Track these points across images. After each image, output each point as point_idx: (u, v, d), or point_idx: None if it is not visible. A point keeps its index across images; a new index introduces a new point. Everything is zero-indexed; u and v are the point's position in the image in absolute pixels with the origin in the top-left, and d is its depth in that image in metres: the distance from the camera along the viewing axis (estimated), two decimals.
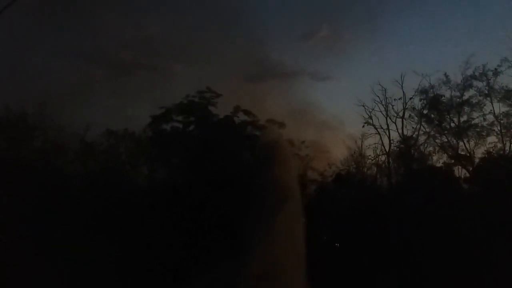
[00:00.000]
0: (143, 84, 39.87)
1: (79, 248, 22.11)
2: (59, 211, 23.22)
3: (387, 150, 31.95)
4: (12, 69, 30.58)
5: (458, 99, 31.44)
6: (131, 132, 28.79)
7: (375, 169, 31.73)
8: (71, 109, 28.67)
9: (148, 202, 25.73)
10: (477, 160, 29.65)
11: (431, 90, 31.79)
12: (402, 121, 32.25)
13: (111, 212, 24.49)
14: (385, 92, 32.55)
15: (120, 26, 43.56)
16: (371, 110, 32.62)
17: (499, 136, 30.49)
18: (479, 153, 30.35)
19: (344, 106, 61.64)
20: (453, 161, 30.08)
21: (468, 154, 30.40)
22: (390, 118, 32.47)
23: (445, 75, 31.54)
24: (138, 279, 22.44)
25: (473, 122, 31.08)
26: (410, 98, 32.14)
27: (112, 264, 22.19)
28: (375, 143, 32.21)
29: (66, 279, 20.54)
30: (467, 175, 29.32)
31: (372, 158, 31.87)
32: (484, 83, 30.99)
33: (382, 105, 32.57)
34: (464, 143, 30.84)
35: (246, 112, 27.83)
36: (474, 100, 31.18)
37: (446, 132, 31.61)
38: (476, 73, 30.99)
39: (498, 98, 30.84)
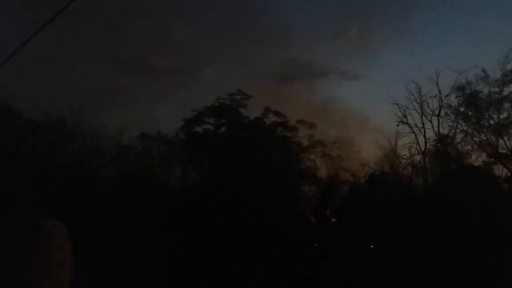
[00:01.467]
0: (174, 88, 40.57)
1: (113, 250, 22.69)
2: (95, 214, 23.92)
3: (422, 149, 31.09)
4: (49, 75, 31.81)
5: (497, 95, 30.20)
6: (164, 135, 29.35)
7: (410, 169, 30.93)
8: (106, 113, 29.56)
9: (181, 205, 26.14)
10: None
11: (468, 86, 30.71)
12: (438, 119, 31.30)
13: (145, 214, 25.03)
14: (420, 89, 31.67)
15: (149, 31, 44.46)
16: (405, 108, 31.84)
17: None
18: None
19: (377, 106, 60.61)
20: (492, 159, 28.90)
21: (509, 153, 29.15)
22: (425, 116, 31.56)
23: (483, 70, 30.39)
24: (169, 283, 22.77)
25: None
26: (446, 95, 31.14)
27: (145, 267, 22.66)
28: (410, 142, 31.40)
29: (99, 280, 21.09)
30: (508, 174, 28.11)
31: (407, 158, 31.09)
32: None
33: (417, 103, 31.72)
34: (504, 141, 29.61)
35: (277, 113, 27.82)
36: None
37: (484, 130, 30.43)
38: None
39: None
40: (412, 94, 31.78)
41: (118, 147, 28.31)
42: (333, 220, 26.69)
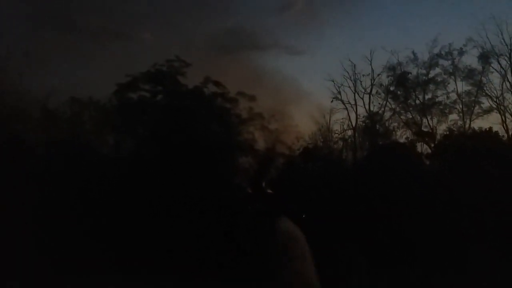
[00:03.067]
0: (110, 52, 38.21)
1: (38, 219, 21.59)
2: (20, 181, 22.44)
3: (353, 125, 32.60)
4: None
5: (424, 77, 32.32)
6: (96, 100, 27.81)
7: (342, 143, 32.41)
8: (33, 74, 27.31)
9: (114, 173, 25.24)
10: (438, 137, 30.73)
11: (399, 67, 32.44)
12: (370, 97, 32.97)
13: (75, 182, 23.91)
14: (354, 68, 32.94)
15: None
16: (340, 85, 33.00)
17: (461, 114, 31.77)
18: (441, 130, 31.52)
19: (316, 81, 61.91)
20: (416, 137, 31.04)
21: (430, 131, 31.48)
22: (358, 94, 33.08)
23: (413, 52, 32.21)
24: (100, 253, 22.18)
25: (437, 99, 32.14)
26: (378, 75, 32.79)
27: (75, 238, 21.84)
28: (342, 118, 32.85)
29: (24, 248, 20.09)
30: (429, 151, 30.38)
31: (339, 133, 32.50)
32: (450, 62, 31.94)
33: (351, 80, 33.00)
34: (427, 120, 31.97)
35: (217, 84, 27.36)
36: (439, 79, 32.21)
37: (411, 109, 32.58)
38: (443, 52, 31.84)
39: (461, 77, 31.96)
40: (347, 72, 33.05)
41: (44, 110, 26.44)
42: (269, 191, 27.32)
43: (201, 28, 44.33)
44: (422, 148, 30.81)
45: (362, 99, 32.95)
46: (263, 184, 27.42)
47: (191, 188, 24.06)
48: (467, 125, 31.37)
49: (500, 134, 28.56)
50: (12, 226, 20.73)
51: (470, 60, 32.99)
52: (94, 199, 23.87)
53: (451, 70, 31.92)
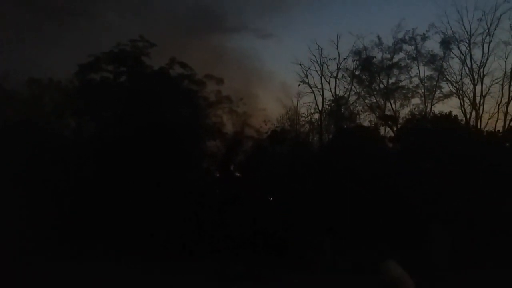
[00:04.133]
0: (72, 31, 36.68)
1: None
2: None
3: (320, 108, 32.90)
4: None
5: (388, 62, 32.83)
6: (57, 81, 26.78)
7: (309, 126, 32.71)
8: None
9: (76, 157, 24.53)
10: (401, 121, 31.50)
11: (364, 51, 32.82)
12: (336, 81, 33.17)
13: (34, 166, 23.12)
14: (321, 51, 33.04)
15: None
16: (307, 69, 33.10)
17: (422, 98, 32.65)
18: (403, 114, 32.31)
19: (284, 65, 61.92)
20: (380, 121, 31.70)
21: (393, 115, 32.22)
22: (324, 78, 33.23)
23: (378, 37, 32.64)
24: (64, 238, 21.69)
25: (400, 84, 32.83)
26: (344, 59, 32.98)
27: (35, 224, 21.23)
28: (309, 102, 33.05)
29: None
30: (392, 134, 31.16)
31: (306, 116, 32.74)
32: (413, 47, 32.58)
33: (318, 64, 33.13)
34: (390, 104, 32.64)
35: (183, 65, 26.89)
36: (402, 63, 32.79)
37: (375, 93, 33.14)
38: (406, 37, 32.40)
39: (424, 62, 32.69)
40: (314, 56, 33.11)
41: (1, 91, 25.22)
42: (237, 174, 27.34)
43: (167, 8, 43.26)
44: (386, 131, 31.60)
45: (329, 83, 33.19)
46: (231, 168, 27.44)
47: (157, 172, 23.74)
48: (428, 109, 32.27)
49: (459, 118, 29.56)
50: None
51: (432, 45, 33.85)
52: (56, 184, 23.22)
53: (414, 55, 32.57)
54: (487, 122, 31.20)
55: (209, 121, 27.20)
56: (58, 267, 18.19)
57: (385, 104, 32.85)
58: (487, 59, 31.37)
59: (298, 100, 33.08)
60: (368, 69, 32.83)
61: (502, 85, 31.10)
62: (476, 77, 31.64)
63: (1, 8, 31.85)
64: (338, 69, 33.10)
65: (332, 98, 33.01)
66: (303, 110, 33.06)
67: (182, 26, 40.30)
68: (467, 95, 32.05)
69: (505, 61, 31.03)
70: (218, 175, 27.44)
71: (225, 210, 23.60)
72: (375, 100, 33.19)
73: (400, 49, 32.60)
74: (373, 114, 32.72)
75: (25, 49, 30.78)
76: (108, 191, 23.33)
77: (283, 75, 59.05)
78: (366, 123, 31.68)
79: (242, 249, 21.69)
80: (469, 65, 31.85)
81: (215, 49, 37.50)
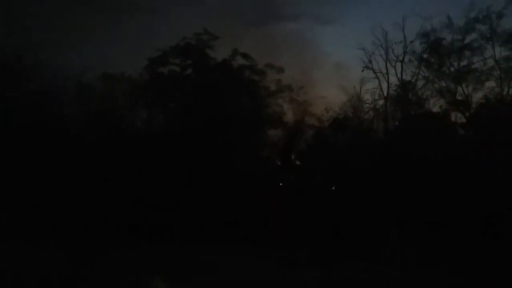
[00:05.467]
0: (141, 27, 38.62)
1: (76, 192, 22.64)
2: (57, 154, 23.44)
3: (385, 94, 31.85)
4: (6, 11, 29.50)
5: (459, 43, 30.88)
6: (128, 75, 28.40)
7: (373, 113, 31.81)
8: (68, 52, 28.06)
9: (147, 147, 25.97)
10: (474, 106, 29.68)
11: (433, 33, 31.13)
12: (402, 65, 31.81)
13: (109, 156, 24.76)
14: (386, 35, 31.81)
15: None
16: (371, 54, 32.08)
17: (498, 81, 30.35)
18: (476, 98, 30.35)
19: (347, 51, 60.34)
20: (450, 106, 30.10)
21: (465, 100, 30.39)
22: (389, 62, 31.97)
23: (448, 17, 30.77)
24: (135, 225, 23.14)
25: (473, 66, 30.75)
26: (411, 42, 31.49)
27: (110, 209, 22.84)
28: (374, 88, 32.04)
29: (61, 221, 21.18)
30: (464, 120, 29.51)
31: (370, 103, 31.83)
32: (487, 26, 30.32)
33: (383, 48, 31.98)
34: (462, 88, 30.74)
35: (244, 56, 27.37)
36: (475, 44, 30.62)
37: (445, 77, 31.36)
38: (480, 16, 30.21)
39: (500, 42, 30.33)
40: (378, 40, 31.99)
41: (79, 86, 27.22)
42: (298, 163, 27.46)
43: (230, 1, 43.92)
44: (457, 117, 29.95)
45: (394, 67, 31.87)
46: (292, 156, 27.60)
47: (221, 160, 24.56)
48: (505, 93, 29.99)
49: None
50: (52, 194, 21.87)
51: (510, 23, 31.32)
52: (130, 172, 24.74)
53: (488, 35, 30.29)
54: None
55: (270, 111, 27.50)
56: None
57: (456, 88, 30.95)
58: None
59: (361, 87, 32.18)
60: (437, 51, 31.07)
61: None
62: None
63: (74, 8, 34.21)
64: (405, 52, 31.73)
65: (398, 83, 31.79)
66: (366, 97, 32.05)
67: (243, 17, 40.76)
68: None
69: None
70: (279, 163, 27.71)
71: (289, 198, 23.88)
72: (445, 85, 31.33)
73: (473, 29, 30.41)
74: (443, 99, 31.00)
75: (99, 46, 32.88)
76: (177, 179, 24.51)
77: (345, 62, 57.66)
78: (435, 109, 30.21)
79: (307, 236, 21.79)
80: None
81: (276, 38, 37.57)
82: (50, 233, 19.44)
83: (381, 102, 31.76)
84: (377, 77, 31.95)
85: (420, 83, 31.60)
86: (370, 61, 31.98)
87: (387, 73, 31.91)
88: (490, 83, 30.49)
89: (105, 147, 24.83)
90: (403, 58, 31.73)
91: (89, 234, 20.09)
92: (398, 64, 31.82)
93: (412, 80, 31.73)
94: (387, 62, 31.89)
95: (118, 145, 25.10)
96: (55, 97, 26.50)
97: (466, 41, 30.63)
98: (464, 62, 30.86)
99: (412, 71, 31.74)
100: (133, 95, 28.21)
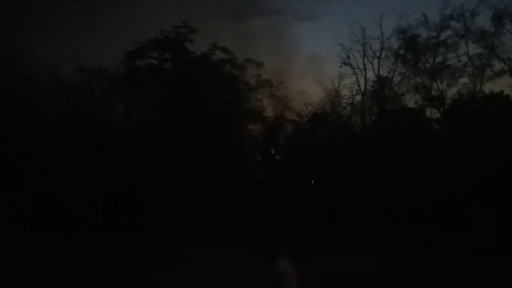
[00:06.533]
0: (119, 20, 38.02)
1: (51, 186, 22.25)
2: (30, 149, 22.95)
3: (362, 90, 32.28)
4: None
5: (434, 40, 31.53)
6: (105, 69, 27.97)
7: (350, 109, 32.19)
8: (43, 44, 27.40)
9: (124, 140, 25.67)
10: (448, 102, 30.38)
11: (409, 30, 31.69)
12: (379, 61, 32.30)
13: (85, 150, 24.38)
14: (364, 31, 32.23)
15: None
16: (349, 50, 32.44)
17: (471, 77, 31.13)
18: (451, 94, 31.06)
19: (326, 47, 60.86)
20: (425, 102, 30.71)
21: (440, 95, 31.05)
22: (367, 58, 32.44)
23: (423, 15, 31.37)
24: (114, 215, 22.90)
25: (447, 63, 31.43)
26: (388, 38, 31.99)
27: (85, 200, 22.55)
28: (351, 83, 32.43)
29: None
30: (438, 115, 30.16)
31: (348, 98, 32.19)
32: (461, 24, 31.06)
33: (360, 44, 32.38)
34: (437, 84, 31.39)
35: (224, 50, 27.28)
36: (450, 41, 31.36)
37: (420, 73, 31.98)
38: (454, 14, 30.91)
39: (473, 39, 31.10)
40: (356, 36, 32.36)
41: (54, 79, 26.66)
42: (278, 157, 27.59)
43: None
44: (432, 113, 30.58)
45: (372, 63, 32.33)
46: (272, 151, 27.72)
47: (200, 155, 24.47)
48: (478, 89, 30.79)
49: (511, 98, 28.06)
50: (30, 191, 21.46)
51: (483, 21, 32.10)
52: (107, 166, 24.42)
53: (462, 32, 31.04)
54: None
55: (249, 105, 27.51)
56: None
57: (431, 84, 31.61)
58: None
59: (339, 82, 32.53)
60: (413, 48, 31.66)
61: None
62: None
63: (50, 1, 33.43)
64: (382, 49, 32.20)
65: (375, 79, 32.25)
66: (344, 92, 32.42)
67: (223, 11, 40.61)
68: None
69: None
70: (259, 158, 27.79)
71: (268, 192, 23.98)
72: (420, 81, 31.97)
73: (447, 27, 31.11)
74: (419, 95, 31.63)
75: (75, 39, 32.24)
76: (154, 173, 24.31)
77: (324, 58, 58.29)
78: (411, 104, 30.80)
79: (286, 229, 21.92)
80: None
81: (255, 33, 37.61)
82: (24, 227, 19.08)
83: (358, 97, 32.26)
84: (355, 73, 32.40)
85: (397, 79, 32.17)
86: (348, 57, 32.37)
87: (365, 69, 32.37)
88: (464, 79, 31.32)
89: (82, 141, 24.41)
90: (380, 54, 32.21)
91: (67, 229, 19.78)
92: (375, 60, 32.30)
93: (389, 76, 32.26)
94: (365, 58, 32.36)
95: (95, 139, 24.72)
96: (28, 90, 25.91)
97: (441, 38, 31.33)
98: (439, 59, 31.54)
99: (388, 67, 32.26)
100: (110, 88, 27.82)
